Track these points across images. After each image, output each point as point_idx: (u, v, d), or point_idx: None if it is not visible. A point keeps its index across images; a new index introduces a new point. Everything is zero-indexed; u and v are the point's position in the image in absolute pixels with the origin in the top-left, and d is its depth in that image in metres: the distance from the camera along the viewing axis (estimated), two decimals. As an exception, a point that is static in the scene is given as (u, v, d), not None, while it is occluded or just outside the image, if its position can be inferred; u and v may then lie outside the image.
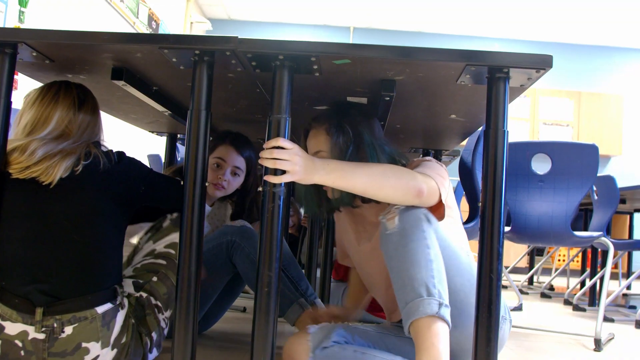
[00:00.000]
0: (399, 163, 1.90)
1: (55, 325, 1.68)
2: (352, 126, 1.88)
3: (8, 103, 1.68)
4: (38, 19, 4.64)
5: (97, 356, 1.74)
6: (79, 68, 1.84)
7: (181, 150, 3.51)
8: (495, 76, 1.59)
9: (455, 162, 3.53)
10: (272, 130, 1.55)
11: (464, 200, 5.44)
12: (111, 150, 1.80)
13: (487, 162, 1.58)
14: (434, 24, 8.76)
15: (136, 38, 1.65)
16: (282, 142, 1.57)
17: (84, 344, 1.72)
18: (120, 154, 1.81)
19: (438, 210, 1.78)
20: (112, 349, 1.77)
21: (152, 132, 3.11)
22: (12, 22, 4.36)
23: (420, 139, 2.83)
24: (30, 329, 1.67)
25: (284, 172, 1.57)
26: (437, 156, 3.19)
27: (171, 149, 3.21)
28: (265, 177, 1.57)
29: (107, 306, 1.74)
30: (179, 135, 3.21)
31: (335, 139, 1.87)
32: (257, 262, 1.55)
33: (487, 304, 1.55)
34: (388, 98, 1.81)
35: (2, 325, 1.67)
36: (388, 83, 1.74)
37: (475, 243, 1.61)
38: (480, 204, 1.59)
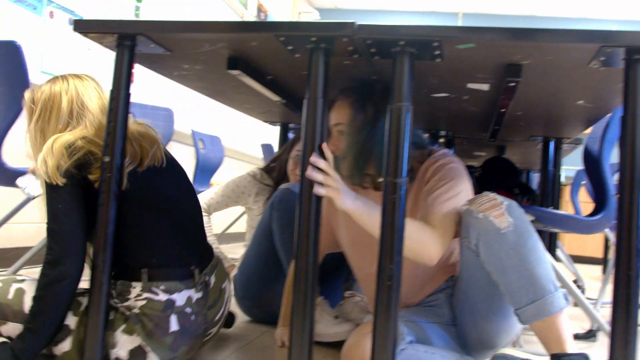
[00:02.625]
0: (417, 157, 1.95)
1: (206, 279, 1.87)
2: (374, 108, 1.85)
3: (127, 95, 1.69)
4: (152, 13, 4.75)
5: (230, 293, 2.02)
6: (195, 58, 1.84)
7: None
8: (633, 58, 1.47)
9: (577, 151, 3.36)
10: (393, 119, 1.49)
11: (583, 192, 5.22)
12: None
13: (624, 151, 1.46)
14: (546, 7, 8.43)
15: (253, 26, 1.63)
16: (321, 163, 1.54)
17: (222, 286, 1.95)
18: None
19: None
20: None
21: (266, 121, 3.11)
22: (128, 17, 4.47)
23: (541, 127, 2.70)
24: (192, 292, 1.80)
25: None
26: (558, 145, 3.05)
27: (284, 138, 3.21)
28: (315, 190, 1.54)
29: None
30: (290, 125, 3.20)
31: (355, 115, 1.87)
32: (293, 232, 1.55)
33: (625, 303, 1.44)
34: (513, 84, 1.71)
35: (172, 299, 1.75)
36: (514, 68, 1.64)
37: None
38: (616, 196, 1.48)
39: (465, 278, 1.84)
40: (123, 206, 1.70)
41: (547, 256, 1.69)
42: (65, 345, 1.72)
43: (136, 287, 1.75)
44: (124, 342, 1.72)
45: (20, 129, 2.61)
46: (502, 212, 1.67)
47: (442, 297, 1.98)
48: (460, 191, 1.85)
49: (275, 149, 4.36)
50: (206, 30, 1.58)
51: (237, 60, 1.78)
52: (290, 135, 3.30)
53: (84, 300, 1.74)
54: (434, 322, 1.91)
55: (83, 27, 1.67)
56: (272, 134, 5.66)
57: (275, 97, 2.20)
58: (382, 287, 1.48)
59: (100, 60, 4.26)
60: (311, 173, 1.53)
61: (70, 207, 1.68)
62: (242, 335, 2.38)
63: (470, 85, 1.91)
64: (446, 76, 1.82)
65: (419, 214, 1.88)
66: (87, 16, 4.18)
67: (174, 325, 1.74)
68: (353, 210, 1.65)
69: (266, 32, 1.55)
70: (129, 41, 1.68)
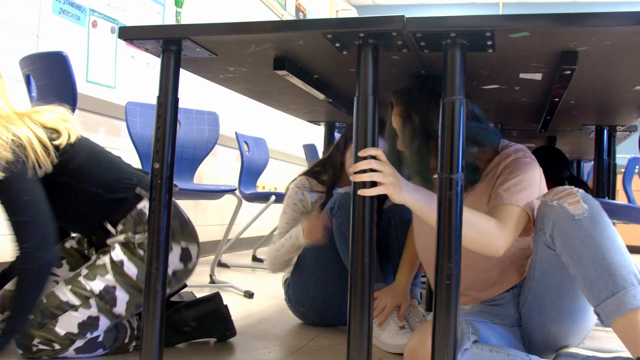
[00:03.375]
0: (483, 154, 1.92)
1: None
2: (421, 114, 1.81)
3: (175, 101, 1.68)
4: (192, 18, 4.77)
5: None
6: (240, 60, 1.82)
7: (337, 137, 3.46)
8: (695, 39, 1.41)
9: (632, 139, 3.27)
10: (446, 113, 1.45)
11: (636, 180, 5.09)
12: None
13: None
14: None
15: (299, 25, 1.60)
16: (374, 150, 1.51)
17: None
18: None
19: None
20: None
21: (310, 121, 3.09)
22: (169, 23, 4.50)
23: (594, 115, 2.63)
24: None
25: (373, 184, 1.50)
26: (611, 133, 2.96)
27: (329, 137, 3.18)
28: (360, 192, 1.49)
29: None
30: (336, 124, 3.17)
31: (403, 126, 1.84)
32: (350, 235, 1.50)
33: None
34: (569, 72, 1.66)
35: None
36: (569, 55, 1.59)
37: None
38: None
39: (536, 277, 1.79)
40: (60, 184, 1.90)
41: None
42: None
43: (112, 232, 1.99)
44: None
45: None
46: (577, 200, 1.63)
47: (508, 296, 1.93)
48: (532, 184, 1.80)
49: (319, 148, 4.34)
50: (252, 31, 1.56)
51: (284, 60, 1.76)
52: (337, 135, 3.27)
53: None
54: (497, 323, 1.86)
55: (128, 34, 1.67)
56: (313, 134, 5.65)
57: (321, 96, 2.18)
58: (441, 286, 1.44)
59: (144, 68, 4.29)
60: (364, 175, 1.50)
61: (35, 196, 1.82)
62: (298, 338, 2.36)
63: (523, 76, 1.85)
64: (497, 67, 1.77)
65: (488, 206, 1.83)
66: (129, 24, 4.21)
67: None
68: (413, 204, 1.60)
69: (313, 29, 1.52)
70: (175, 46, 1.67)
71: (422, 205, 1.61)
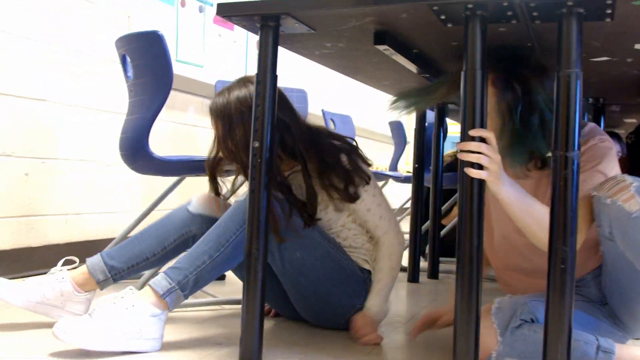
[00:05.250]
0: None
1: None
2: (523, 83, 1.68)
3: (274, 78, 1.64)
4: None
5: None
6: (338, 35, 1.77)
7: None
8: None
9: None
10: (561, 87, 1.37)
11: None
12: None
13: None
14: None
15: (405, -4, 1.54)
16: (486, 133, 1.44)
17: None
18: None
19: None
20: None
21: (402, 98, 3.02)
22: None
23: None
24: None
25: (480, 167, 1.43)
26: None
27: (440, 118, 3.11)
28: (467, 171, 1.42)
29: None
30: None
31: (502, 95, 1.69)
32: None
33: None
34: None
35: None
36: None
37: None
38: None
39: (609, 263, 1.72)
40: None
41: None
42: None
43: None
44: None
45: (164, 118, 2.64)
46: (632, 195, 1.52)
47: (589, 277, 1.84)
48: (607, 175, 1.69)
49: (405, 126, 4.27)
50: (354, 5, 1.51)
51: (384, 34, 1.70)
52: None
53: None
54: (581, 301, 1.79)
55: (226, 10, 1.64)
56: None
57: (419, 72, 2.11)
58: (555, 270, 1.37)
59: (231, 46, 4.29)
60: (472, 155, 1.43)
61: None
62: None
63: (638, 46, 1.74)
64: (612, 37, 1.67)
65: None
66: (215, 3, 4.21)
67: None
68: (506, 197, 1.52)
69: (419, 1, 1.45)
70: (273, 22, 1.63)
71: (513, 201, 1.53)
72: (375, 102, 5.96)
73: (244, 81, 2.01)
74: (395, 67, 2.12)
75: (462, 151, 1.44)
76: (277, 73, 1.65)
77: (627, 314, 1.77)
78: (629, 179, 1.56)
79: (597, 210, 1.61)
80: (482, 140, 1.44)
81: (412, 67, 2.03)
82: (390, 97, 1.92)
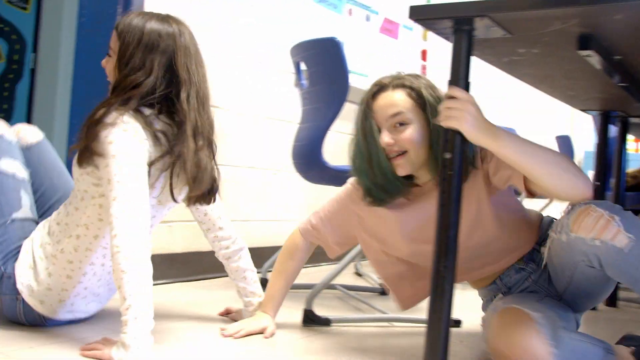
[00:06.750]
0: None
1: None
2: None
3: (467, 86, 1.53)
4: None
5: None
6: (535, 40, 1.63)
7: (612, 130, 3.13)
8: None
9: None
10: None
11: None
12: None
13: None
14: None
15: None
16: (456, 91, 1.48)
17: None
18: None
19: None
20: None
21: (583, 110, 2.82)
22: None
23: None
24: None
25: None
26: None
27: (603, 129, 2.90)
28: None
29: None
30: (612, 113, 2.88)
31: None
32: None
33: None
34: None
35: None
36: None
37: None
38: None
39: (578, 278, 1.68)
40: None
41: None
42: None
43: None
44: None
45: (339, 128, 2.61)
46: (618, 230, 1.45)
47: (528, 283, 1.86)
48: None
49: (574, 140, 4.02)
50: (562, 5, 1.38)
51: (589, 38, 1.55)
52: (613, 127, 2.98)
53: None
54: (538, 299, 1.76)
55: (419, 13, 1.55)
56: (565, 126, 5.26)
57: (618, 82, 1.93)
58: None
59: (396, 56, 4.23)
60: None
61: None
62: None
63: None
64: None
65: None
66: (381, 12, 4.17)
67: None
68: (491, 147, 1.52)
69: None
70: (467, 25, 1.52)
71: (503, 146, 1.52)
72: (538, 114, 5.72)
73: (168, 17, 1.88)
74: (586, 76, 1.96)
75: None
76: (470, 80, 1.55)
77: (586, 302, 1.80)
78: (599, 209, 1.50)
79: (578, 249, 1.55)
80: None
81: (615, 76, 1.85)
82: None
